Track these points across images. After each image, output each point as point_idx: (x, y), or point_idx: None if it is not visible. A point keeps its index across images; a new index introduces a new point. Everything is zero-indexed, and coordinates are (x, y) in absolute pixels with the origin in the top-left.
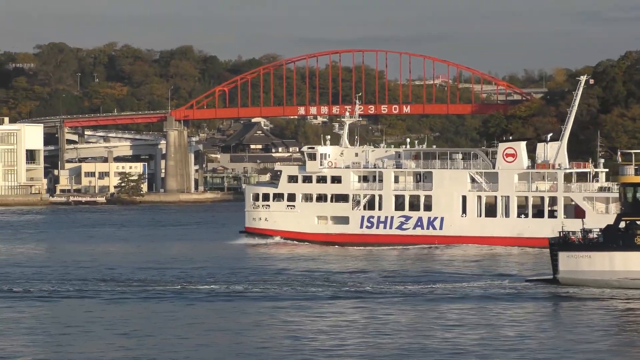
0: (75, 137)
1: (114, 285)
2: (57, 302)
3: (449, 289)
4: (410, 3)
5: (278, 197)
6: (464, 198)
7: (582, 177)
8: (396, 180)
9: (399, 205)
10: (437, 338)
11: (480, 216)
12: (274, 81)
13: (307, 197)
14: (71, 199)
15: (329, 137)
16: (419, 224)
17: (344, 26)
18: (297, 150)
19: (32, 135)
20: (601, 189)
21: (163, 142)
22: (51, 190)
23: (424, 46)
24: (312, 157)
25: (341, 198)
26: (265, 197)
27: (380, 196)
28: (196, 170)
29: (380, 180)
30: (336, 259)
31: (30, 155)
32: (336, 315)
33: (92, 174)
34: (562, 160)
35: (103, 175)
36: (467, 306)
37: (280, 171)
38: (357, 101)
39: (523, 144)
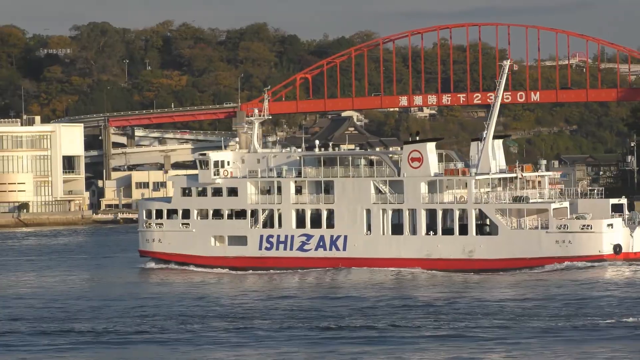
0: (123, 140)
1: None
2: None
3: None
4: None
5: (172, 213)
6: (369, 212)
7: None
8: (298, 191)
9: (300, 222)
10: None
11: (386, 234)
12: (369, 65)
13: (203, 214)
14: (119, 216)
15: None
16: (321, 244)
17: None
18: (399, 149)
19: (69, 137)
20: (515, 200)
21: (232, 143)
22: (94, 206)
23: (556, 18)
24: (204, 164)
25: (238, 214)
26: (159, 214)
27: (279, 211)
28: None
29: (280, 192)
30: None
31: (68, 163)
32: None
33: (145, 185)
34: (485, 164)
35: (158, 186)
36: None
37: (173, 182)
38: (266, 96)
39: (431, 145)
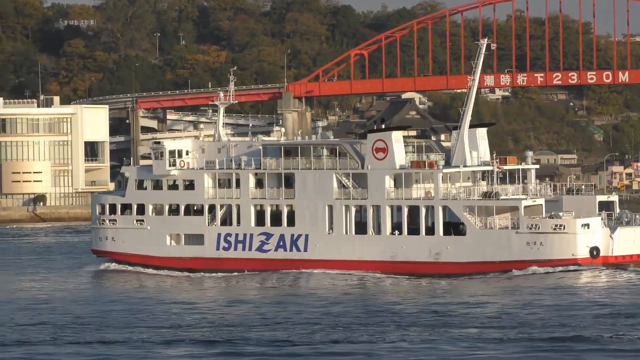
0: (153, 124)
1: None
2: None
3: None
4: None
5: (126, 208)
6: (331, 208)
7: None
8: (259, 185)
9: (260, 219)
10: None
11: (349, 233)
12: (434, 41)
13: (158, 209)
14: None
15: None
16: (281, 243)
17: None
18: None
19: (93, 121)
20: (485, 195)
21: (277, 128)
22: None
23: None
24: (159, 154)
25: (195, 210)
26: (112, 209)
27: (238, 207)
28: None
29: (238, 186)
30: None
31: (91, 150)
32: None
33: None
34: (460, 155)
35: None
36: None
37: (126, 174)
38: (232, 77)
39: (397, 134)
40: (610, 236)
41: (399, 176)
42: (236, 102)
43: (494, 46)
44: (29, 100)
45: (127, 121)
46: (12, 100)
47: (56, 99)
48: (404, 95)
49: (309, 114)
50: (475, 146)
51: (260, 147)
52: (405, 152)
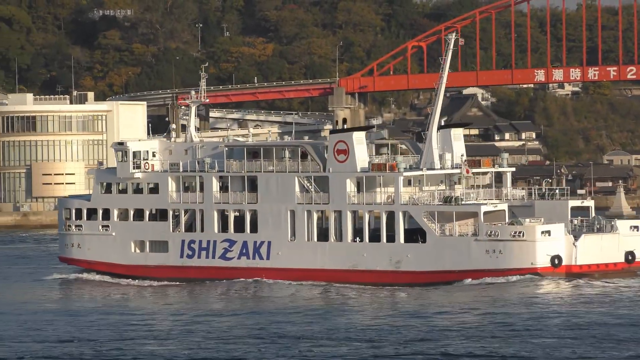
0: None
1: None
2: None
3: None
4: None
5: (91, 213)
6: (293, 214)
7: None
8: (224, 189)
9: (224, 225)
10: None
11: (311, 240)
12: (498, 32)
13: (123, 214)
14: None
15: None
16: (244, 251)
17: None
18: (534, 136)
19: (129, 118)
20: (446, 200)
21: (329, 126)
22: None
23: None
24: (123, 155)
25: (159, 215)
26: (78, 213)
27: (201, 212)
28: None
29: (202, 190)
30: None
31: None
32: None
33: None
34: (429, 157)
35: None
36: None
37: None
38: (203, 72)
39: (359, 134)
40: (574, 244)
41: (360, 180)
42: (208, 100)
43: (462, 42)
44: (61, 96)
45: (167, 119)
46: (43, 96)
47: (90, 95)
48: (466, 91)
49: (362, 111)
50: (449, 148)
51: (225, 149)
52: (380, 154)
